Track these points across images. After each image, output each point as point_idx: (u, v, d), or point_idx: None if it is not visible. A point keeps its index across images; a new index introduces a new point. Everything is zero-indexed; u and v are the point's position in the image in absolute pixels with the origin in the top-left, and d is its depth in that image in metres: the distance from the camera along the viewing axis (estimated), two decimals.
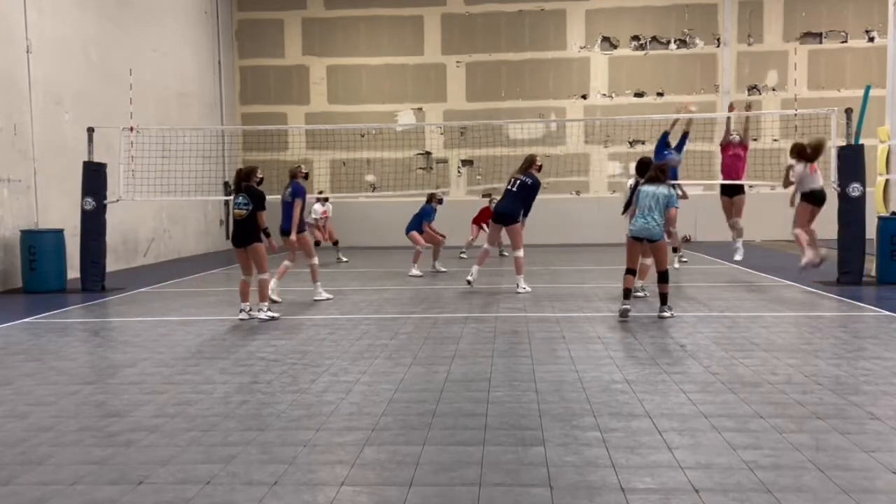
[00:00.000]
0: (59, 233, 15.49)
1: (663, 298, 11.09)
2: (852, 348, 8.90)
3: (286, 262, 13.65)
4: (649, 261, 12.40)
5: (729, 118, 16.93)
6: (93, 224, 15.49)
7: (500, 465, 5.20)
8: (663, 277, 11.03)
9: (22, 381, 7.86)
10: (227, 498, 4.75)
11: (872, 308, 11.87)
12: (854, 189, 14.47)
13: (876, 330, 10.05)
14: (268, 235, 11.55)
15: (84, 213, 15.51)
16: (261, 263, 11.52)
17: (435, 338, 9.88)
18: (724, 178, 16.31)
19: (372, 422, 6.24)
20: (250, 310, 11.48)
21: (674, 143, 15.09)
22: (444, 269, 17.92)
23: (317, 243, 21.09)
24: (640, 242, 11.12)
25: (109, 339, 10.28)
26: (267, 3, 28.28)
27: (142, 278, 17.42)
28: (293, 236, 13.27)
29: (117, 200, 16.10)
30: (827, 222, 14.50)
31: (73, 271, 15.95)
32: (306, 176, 14.00)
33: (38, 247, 15.07)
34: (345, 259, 21.48)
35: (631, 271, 11.22)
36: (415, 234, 17.92)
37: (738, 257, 16.12)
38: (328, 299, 13.53)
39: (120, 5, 20.35)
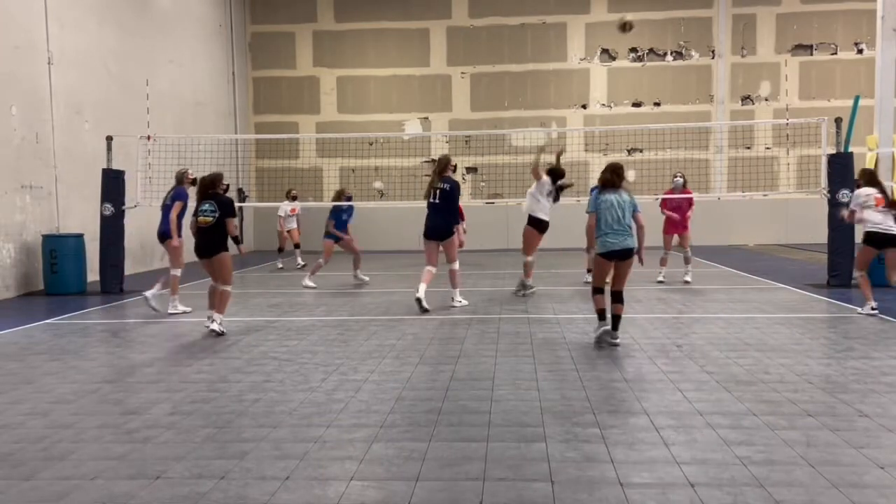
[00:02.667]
0: (79, 237, 15.51)
1: (615, 321, 9.29)
2: (842, 348, 8.90)
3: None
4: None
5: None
6: (111, 229, 15.52)
7: (503, 461, 5.20)
8: (619, 298, 9.32)
9: (43, 380, 7.88)
10: (240, 492, 4.76)
11: (861, 310, 11.85)
12: (843, 195, 14.45)
13: (864, 331, 10.04)
14: (238, 243, 10.91)
15: (103, 218, 15.54)
16: (226, 274, 10.60)
17: (440, 338, 9.89)
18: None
19: (380, 419, 6.25)
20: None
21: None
22: (366, 278, 16.75)
23: (280, 249, 20.83)
24: (611, 261, 9.36)
25: (128, 340, 10.29)
26: (280, 17, 28.31)
27: (154, 281, 17.41)
28: (174, 241, 12.52)
29: (135, 206, 16.10)
30: (818, 227, 14.47)
31: (93, 274, 15.95)
32: (193, 182, 12.56)
33: (59, 251, 15.11)
34: (303, 263, 20.56)
35: (600, 290, 9.42)
36: (328, 242, 16.31)
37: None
38: (184, 312, 12.58)
39: (138, 19, 20.39)
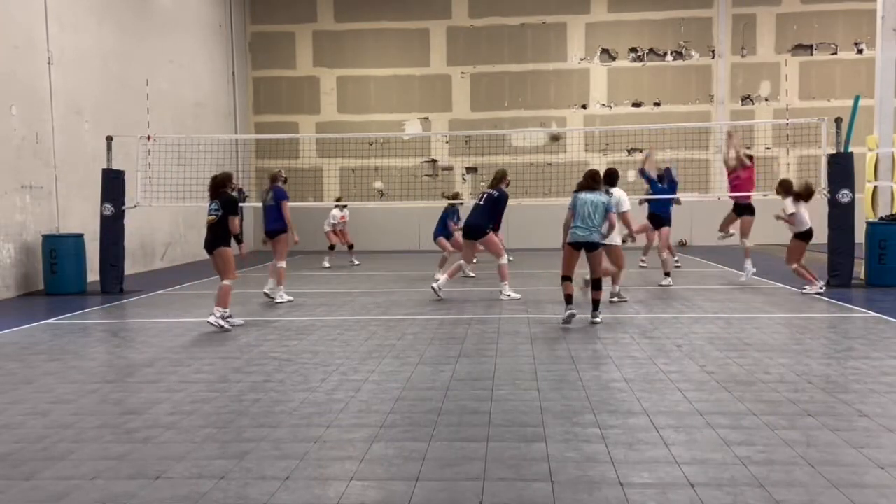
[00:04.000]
0: (79, 237, 15.51)
1: (595, 304, 10.94)
2: (842, 348, 8.90)
3: (279, 264, 13.76)
4: (612, 268, 12.25)
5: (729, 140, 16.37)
6: (111, 229, 15.53)
7: (503, 461, 5.21)
8: (597, 285, 10.96)
9: (43, 380, 7.88)
10: (240, 492, 4.76)
11: (861, 310, 11.86)
12: (843, 195, 14.46)
13: (865, 331, 10.04)
14: (239, 242, 11.16)
15: (103, 218, 15.55)
16: (225, 269, 10.93)
17: (441, 338, 9.89)
18: (733, 197, 15.78)
19: (380, 419, 6.25)
20: (230, 316, 11.06)
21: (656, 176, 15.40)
22: (472, 274, 17.14)
23: (332, 247, 21.14)
24: (579, 251, 10.89)
25: (128, 340, 10.30)
26: (279, 17, 28.32)
27: (159, 281, 17.44)
28: (294, 235, 13.70)
29: (135, 206, 16.11)
30: (817, 227, 14.42)
31: (93, 274, 15.95)
32: (286, 180, 14.25)
33: (59, 250, 15.11)
34: (357, 262, 21.40)
35: (568, 278, 10.93)
36: (442, 239, 17.30)
37: (745, 277, 15.31)
38: (288, 301, 13.67)
39: (138, 19, 20.40)
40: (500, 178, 14.10)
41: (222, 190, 11.06)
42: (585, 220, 10.71)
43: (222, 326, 10.66)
